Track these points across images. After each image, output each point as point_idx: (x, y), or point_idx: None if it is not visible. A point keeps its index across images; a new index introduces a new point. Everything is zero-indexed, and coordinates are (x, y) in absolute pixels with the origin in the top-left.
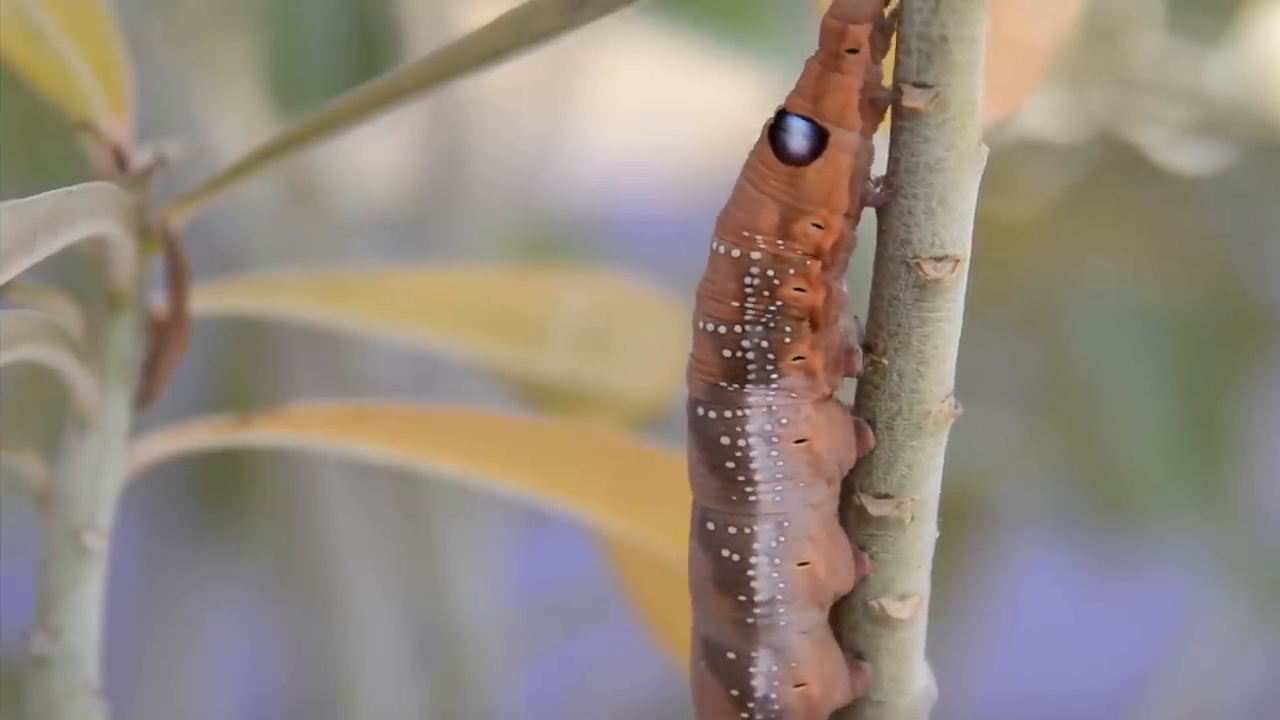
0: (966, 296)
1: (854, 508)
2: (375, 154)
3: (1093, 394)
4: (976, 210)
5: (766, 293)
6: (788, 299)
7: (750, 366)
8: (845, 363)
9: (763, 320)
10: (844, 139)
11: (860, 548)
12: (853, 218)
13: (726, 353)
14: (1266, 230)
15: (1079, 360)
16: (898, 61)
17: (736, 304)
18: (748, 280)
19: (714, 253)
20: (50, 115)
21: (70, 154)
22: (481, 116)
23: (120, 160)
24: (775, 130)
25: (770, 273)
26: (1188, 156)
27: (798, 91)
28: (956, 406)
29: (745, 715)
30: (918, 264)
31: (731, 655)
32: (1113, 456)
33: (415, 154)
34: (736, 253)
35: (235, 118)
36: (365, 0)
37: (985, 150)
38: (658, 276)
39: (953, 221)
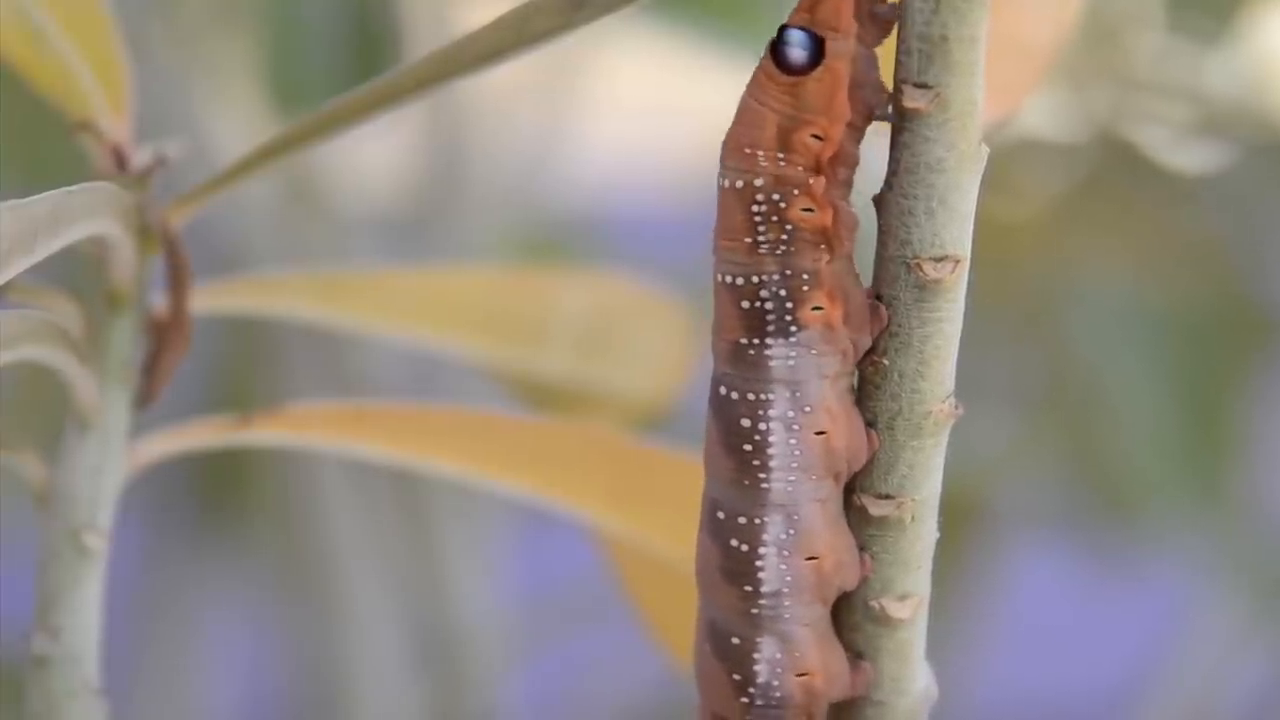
0: (966, 296)
1: (854, 508)
2: (375, 154)
3: (1093, 394)
4: (976, 210)
5: (775, 218)
6: (797, 221)
7: (769, 317)
8: (873, 318)
9: (777, 252)
10: (841, 46)
11: (860, 548)
12: (855, 129)
13: (745, 304)
14: (1266, 230)
15: (1079, 360)
16: (898, 62)
17: (749, 239)
18: (755, 208)
19: (721, 189)
20: (50, 115)
21: (70, 154)
22: (481, 116)
23: (120, 160)
24: (776, 45)
25: (775, 196)
26: (1188, 156)
27: (796, 7)
28: (957, 407)
29: (746, 700)
30: (918, 264)
31: (736, 640)
32: (1113, 456)
33: (415, 154)
34: (740, 183)
35: (235, 118)
36: (365, 0)
37: (985, 150)
38: (658, 276)
39: (953, 222)
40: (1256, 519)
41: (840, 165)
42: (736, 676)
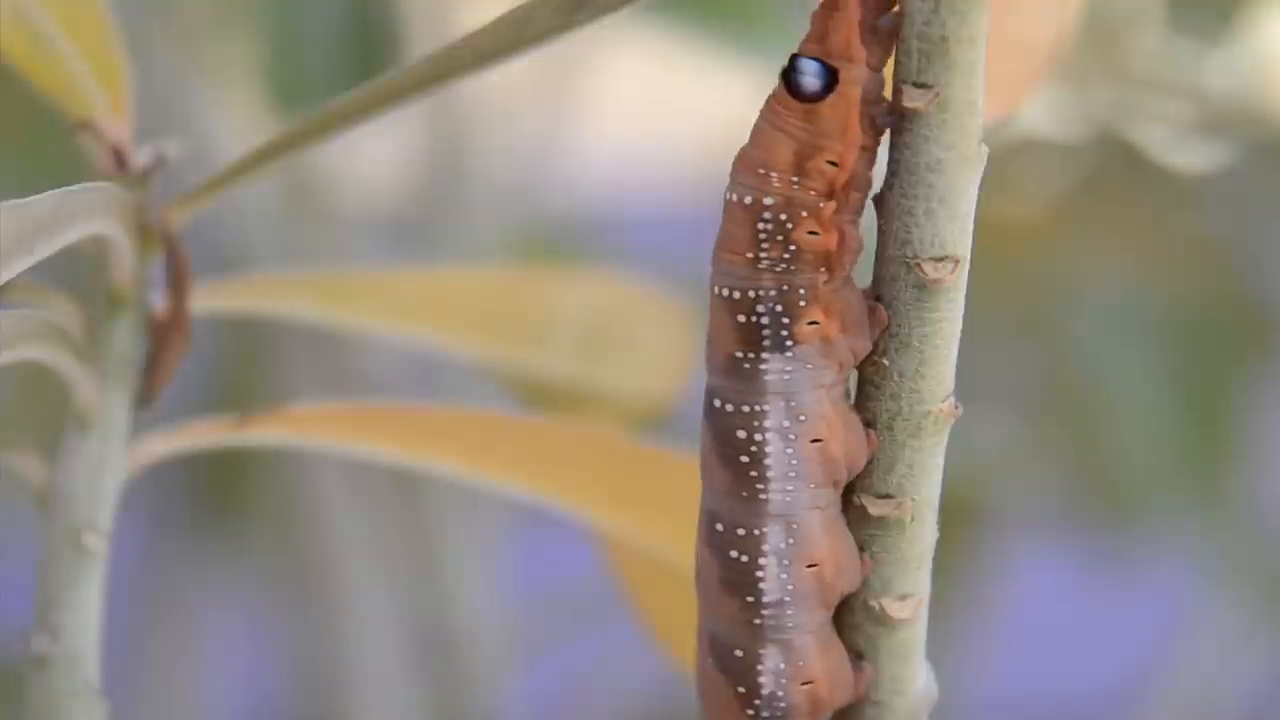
0: (966, 296)
1: (854, 508)
2: (375, 154)
3: (1092, 394)
4: (976, 210)
5: (780, 237)
6: (801, 243)
7: (765, 332)
8: (872, 320)
9: (777, 269)
10: (853, 73)
11: (860, 548)
12: (869, 151)
13: (741, 318)
14: (1266, 230)
15: (1079, 360)
16: (898, 62)
17: (750, 254)
18: (761, 226)
19: (728, 203)
20: (50, 115)
21: (70, 154)
22: (481, 116)
23: (120, 160)
24: (789, 73)
25: (783, 216)
26: (1188, 156)
27: (806, 37)
28: (956, 406)
29: (751, 712)
30: (918, 264)
31: (739, 653)
32: (1113, 456)
33: (415, 154)
34: (750, 199)
35: (235, 118)
36: (365, 0)
37: (985, 150)
38: (659, 276)
39: (953, 222)
40: (1256, 519)
41: (853, 190)
42: (741, 689)
